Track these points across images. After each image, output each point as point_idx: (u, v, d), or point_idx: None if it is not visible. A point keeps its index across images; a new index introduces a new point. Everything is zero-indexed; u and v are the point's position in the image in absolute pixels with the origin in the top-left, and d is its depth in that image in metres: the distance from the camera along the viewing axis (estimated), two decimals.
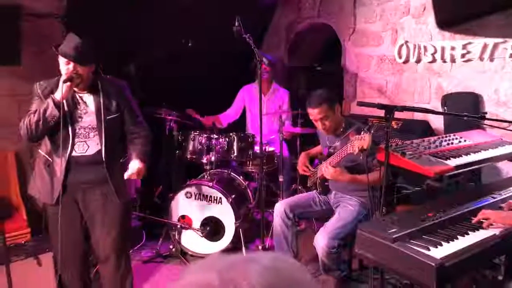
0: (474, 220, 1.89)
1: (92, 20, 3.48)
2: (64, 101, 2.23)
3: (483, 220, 1.86)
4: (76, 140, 2.29)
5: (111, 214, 2.40)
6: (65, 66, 2.19)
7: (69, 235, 2.37)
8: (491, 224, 1.84)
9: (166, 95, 3.77)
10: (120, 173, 2.41)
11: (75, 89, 2.30)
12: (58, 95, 2.16)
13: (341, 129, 2.87)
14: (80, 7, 3.53)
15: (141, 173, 2.36)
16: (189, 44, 3.64)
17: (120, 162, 2.44)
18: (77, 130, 2.29)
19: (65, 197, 2.31)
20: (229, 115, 4.35)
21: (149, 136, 2.52)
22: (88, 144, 2.31)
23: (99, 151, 2.32)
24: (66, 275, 2.43)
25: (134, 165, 2.35)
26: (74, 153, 2.29)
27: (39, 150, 2.37)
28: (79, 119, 2.30)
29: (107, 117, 2.33)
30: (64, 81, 2.15)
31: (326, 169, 2.69)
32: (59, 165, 2.28)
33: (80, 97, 2.32)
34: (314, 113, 2.78)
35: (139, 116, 2.52)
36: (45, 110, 2.17)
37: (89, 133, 2.31)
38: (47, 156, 2.32)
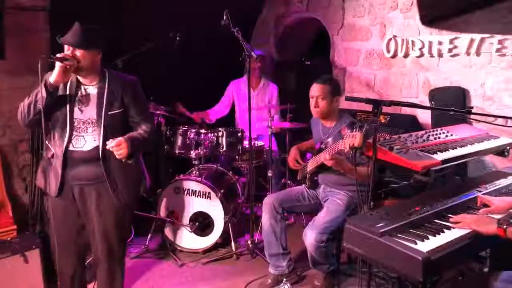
0: (452, 219, 1.85)
1: (78, 13, 3.41)
2: (68, 88, 2.19)
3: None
4: (74, 133, 2.24)
5: (107, 216, 2.33)
6: (66, 52, 2.16)
7: (65, 228, 2.36)
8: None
9: (153, 90, 3.73)
10: (120, 172, 2.32)
11: (81, 79, 2.25)
12: (52, 78, 2.10)
13: (334, 121, 2.88)
14: None
15: (121, 146, 2.16)
16: (177, 38, 3.59)
17: (122, 161, 2.28)
18: (75, 124, 2.24)
19: (64, 190, 2.29)
20: (218, 111, 4.33)
21: (149, 131, 2.39)
22: (85, 139, 2.25)
23: (97, 148, 2.25)
24: (63, 264, 2.42)
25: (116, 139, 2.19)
26: (71, 147, 2.24)
27: (46, 141, 2.32)
28: (79, 112, 2.24)
29: (109, 112, 2.25)
30: (56, 59, 2.07)
31: (327, 160, 2.63)
32: (59, 157, 2.25)
33: (85, 89, 2.26)
34: (315, 88, 2.84)
35: (145, 114, 2.43)
36: (37, 93, 2.12)
37: (87, 127, 2.25)
38: (52, 148, 2.28)
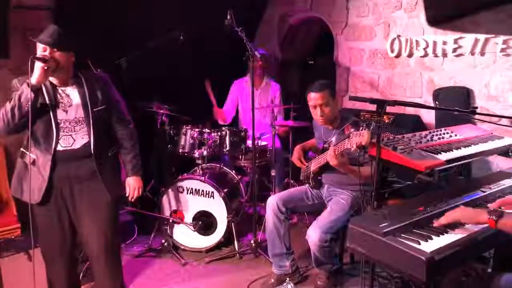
0: (436, 224, 1.80)
1: (83, 13, 3.43)
2: (45, 92, 2.19)
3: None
4: (61, 134, 2.23)
5: (101, 212, 2.35)
6: (42, 52, 2.14)
7: (56, 233, 2.34)
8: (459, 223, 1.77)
9: (157, 89, 3.74)
10: (110, 166, 2.39)
11: (56, 83, 2.24)
12: (33, 79, 2.09)
13: (337, 122, 2.87)
14: None
15: (140, 190, 2.57)
16: (181, 37, 3.60)
17: (109, 155, 2.41)
18: (61, 124, 2.24)
19: (52, 194, 2.27)
20: (228, 111, 4.32)
21: (134, 134, 2.52)
22: (73, 137, 2.27)
23: (87, 144, 2.28)
24: (53, 272, 2.41)
25: (131, 185, 2.53)
26: (59, 148, 2.24)
27: (21, 149, 2.31)
28: (64, 113, 2.24)
29: (94, 109, 2.29)
30: (37, 58, 2.07)
31: (332, 158, 2.62)
32: (45, 161, 2.23)
33: (63, 90, 2.26)
34: (315, 97, 2.76)
35: (123, 111, 2.48)
36: (20, 95, 2.10)
37: (74, 126, 2.27)
38: (31, 154, 2.25)
